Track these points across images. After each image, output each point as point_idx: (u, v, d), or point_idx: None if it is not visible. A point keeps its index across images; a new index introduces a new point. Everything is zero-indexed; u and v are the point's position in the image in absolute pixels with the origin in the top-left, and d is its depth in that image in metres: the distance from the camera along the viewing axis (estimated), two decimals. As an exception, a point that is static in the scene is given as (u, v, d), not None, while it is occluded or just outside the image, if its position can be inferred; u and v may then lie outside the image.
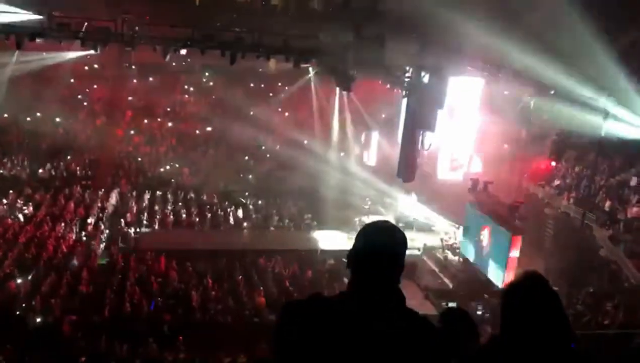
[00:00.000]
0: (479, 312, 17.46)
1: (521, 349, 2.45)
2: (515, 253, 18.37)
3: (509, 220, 19.23)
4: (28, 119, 32.11)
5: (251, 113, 33.24)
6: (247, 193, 28.41)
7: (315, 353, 2.20)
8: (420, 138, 18.53)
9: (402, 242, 2.37)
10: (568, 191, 22.63)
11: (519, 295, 2.51)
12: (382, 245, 2.32)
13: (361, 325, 2.20)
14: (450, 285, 21.23)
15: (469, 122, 21.51)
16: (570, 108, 19.70)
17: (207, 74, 36.16)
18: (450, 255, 23.18)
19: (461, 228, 23.19)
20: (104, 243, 22.56)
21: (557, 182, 23.78)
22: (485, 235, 20.35)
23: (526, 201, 20.64)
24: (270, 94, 35.48)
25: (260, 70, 32.49)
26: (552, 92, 20.51)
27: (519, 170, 25.95)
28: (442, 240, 24.18)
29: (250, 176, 31.40)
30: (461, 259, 22.44)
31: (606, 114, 18.80)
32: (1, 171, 28.43)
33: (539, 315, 2.44)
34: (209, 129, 34.41)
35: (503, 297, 2.57)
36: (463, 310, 3.45)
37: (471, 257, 21.36)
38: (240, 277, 20.24)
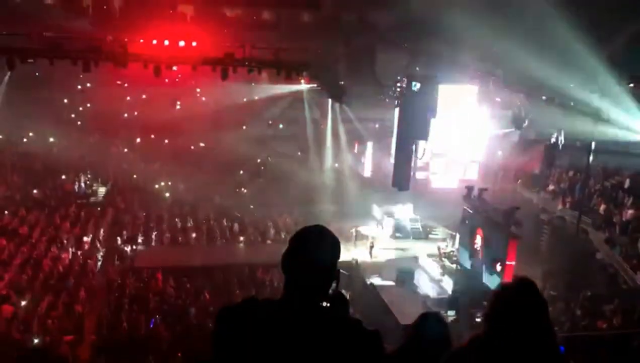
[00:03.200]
0: (478, 319, 17.42)
1: (500, 350, 2.47)
2: (511, 259, 18.36)
3: (504, 227, 19.24)
4: (25, 140, 32.09)
5: (244, 127, 33.27)
6: (244, 214, 28.22)
7: (246, 357, 2.25)
8: (414, 147, 18.60)
9: (330, 247, 2.39)
10: (563, 195, 22.70)
11: (507, 298, 2.54)
12: (307, 251, 2.35)
13: (287, 331, 2.23)
14: (449, 293, 21.19)
15: (462, 130, 21.61)
16: (562, 112, 19.84)
17: (198, 90, 36.20)
18: (447, 263, 23.16)
19: (457, 235, 23.21)
20: (100, 262, 22.46)
21: (551, 187, 23.88)
22: (478, 240, 20.37)
23: (521, 207, 20.67)
24: (264, 108, 35.53)
25: (253, 84, 32.58)
26: (544, 97, 20.68)
27: (513, 176, 26.08)
28: (438, 248, 24.17)
29: (245, 190, 31.37)
30: (458, 267, 22.42)
31: (598, 117, 18.93)
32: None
33: (523, 319, 2.47)
34: (202, 144, 34.41)
35: (491, 298, 2.59)
36: (439, 314, 3.46)
37: (467, 264, 21.35)
38: (238, 291, 20.17)
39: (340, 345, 2.24)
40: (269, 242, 26.06)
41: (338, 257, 2.40)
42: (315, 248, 2.36)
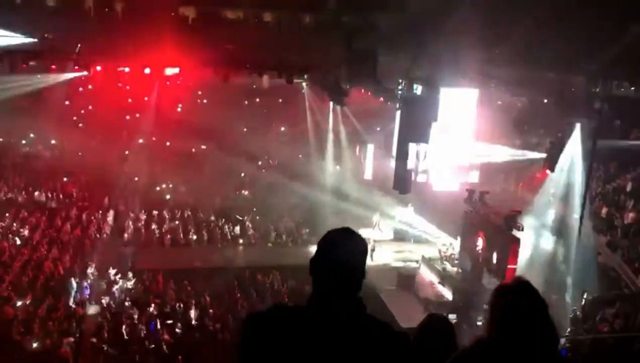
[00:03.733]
0: (479, 323, 17.39)
1: (506, 352, 2.47)
2: (513, 262, 18.35)
3: (505, 230, 19.23)
4: (23, 142, 32.10)
5: (244, 130, 33.30)
6: (245, 217, 28.18)
7: None
8: (415, 150, 18.61)
9: (360, 251, 2.37)
10: (564, 198, 22.65)
11: (507, 300, 2.53)
12: (338, 254, 2.32)
13: (319, 336, 2.22)
14: (450, 297, 21.16)
15: (463, 133, 21.60)
16: (564, 115, 19.82)
17: (200, 92, 36.25)
18: (448, 266, 23.13)
19: (459, 238, 23.19)
20: (100, 264, 22.44)
21: (552, 191, 23.82)
22: (480, 243, 20.36)
23: (523, 210, 20.65)
24: (265, 110, 35.58)
25: (255, 86, 32.60)
26: (545, 100, 20.67)
27: (514, 179, 26.06)
28: (440, 251, 24.14)
29: (246, 192, 31.37)
30: (460, 270, 22.39)
31: (600, 120, 18.91)
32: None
33: (526, 320, 2.46)
34: (203, 146, 34.43)
35: (491, 301, 2.59)
36: (445, 317, 3.47)
37: (469, 267, 21.34)
38: (239, 294, 20.15)
39: (372, 349, 2.24)
40: (269, 244, 26.04)
41: (365, 259, 2.39)
42: (344, 251, 2.34)
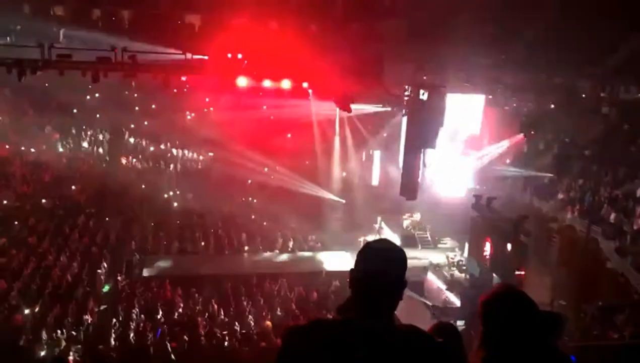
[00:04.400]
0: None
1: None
2: (521, 269, 18.24)
3: (514, 236, 19.13)
4: (32, 150, 32.29)
5: (251, 136, 33.34)
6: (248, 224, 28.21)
7: None
8: (422, 156, 18.56)
9: (402, 263, 2.35)
10: (572, 204, 22.55)
11: (497, 307, 2.51)
12: (381, 268, 2.30)
13: (362, 350, 2.19)
14: (458, 303, 21.06)
15: (470, 138, 21.56)
16: (571, 120, 19.75)
17: (207, 99, 36.38)
18: (456, 273, 23.05)
19: (466, 245, 23.10)
20: (108, 271, 22.50)
21: (561, 196, 23.72)
22: (487, 249, 20.27)
23: (530, 216, 20.58)
24: (271, 117, 35.63)
25: (261, 93, 32.63)
26: (552, 105, 20.60)
27: (522, 184, 25.95)
28: (447, 257, 24.07)
29: (253, 199, 31.39)
30: (467, 276, 22.30)
31: (608, 125, 18.84)
32: (5, 202, 28.47)
33: (517, 326, 2.44)
34: (210, 153, 34.52)
35: (482, 310, 2.57)
36: (453, 325, 3.45)
37: (476, 274, 21.22)
38: (246, 301, 20.14)
39: (416, 359, 2.23)
40: (276, 251, 26.03)
41: (405, 269, 2.36)
42: (391, 265, 2.32)
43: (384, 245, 2.40)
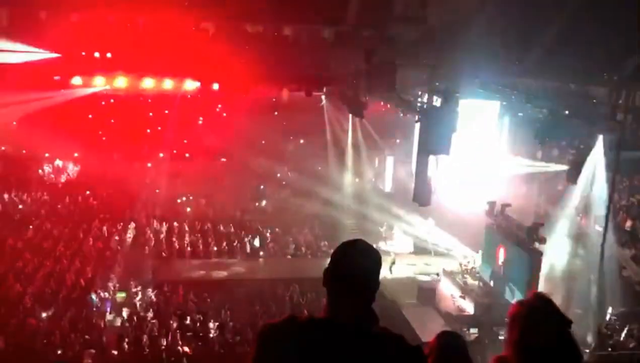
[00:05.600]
0: (501, 337, 17.14)
1: None
2: (535, 276, 18.10)
3: (528, 243, 19.00)
4: (47, 154, 32.58)
5: (263, 142, 33.46)
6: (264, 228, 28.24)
7: None
8: (435, 162, 18.48)
9: (376, 264, 2.36)
10: (587, 212, 22.30)
11: (528, 316, 2.48)
12: (355, 267, 2.30)
13: (332, 348, 2.21)
14: (472, 311, 20.91)
15: (484, 145, 21.45)
16: (586, 127, 19.55)
17: (219, 106, 36.50)
18: (470, 280, 22.89)
19: (480, 252, 22.95)
20: (121, 276, 22.62)
21: (576, 203, 23.48)
22: (501, 256, 20.13)
23: (545, 223, 20.40)
24: (284, 123, 35.66)
25: (274, 99, 32.74)
26: (567, 112, 20.39)
27: (536, 191, 25.72)
28: (461, 264, 23.92)
29: (265, 204, 31.45)
30: (481, 284, 22.15)
31: (623, 132, 18.64)
32: (20, 206, 28.77)
33: (547, 336, 2.41)
34: (223, 159, 34.64)
35: (510, 318, 2.54)
36: (457, 334, 3.44)
37: (490, 281, 21.09)
38: (258, 306, 20.14)
39: (386, 361, 2.23)
40: (289, 257, 26.02)
41: (379, 271, 2.37)
42: (357, 262, 2.33)
43: (358, 246, 2.40)
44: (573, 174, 22.78)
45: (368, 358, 2.21)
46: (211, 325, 18.56)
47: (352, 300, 2.29)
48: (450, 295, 22.34)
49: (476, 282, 22.46)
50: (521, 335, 2.48)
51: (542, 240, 18.86)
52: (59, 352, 16.51)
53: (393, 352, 2.25)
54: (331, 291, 2.35)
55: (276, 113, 35.96)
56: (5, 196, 29.38)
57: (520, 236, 19.48)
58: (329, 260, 2.43)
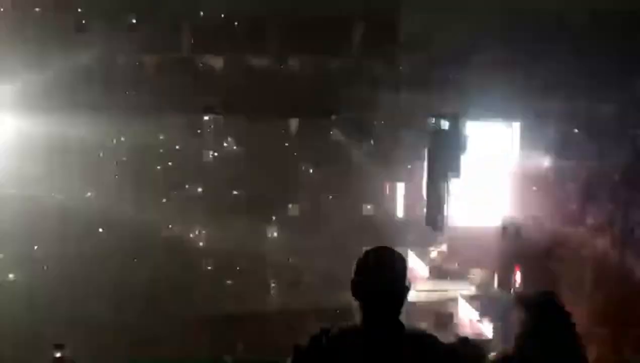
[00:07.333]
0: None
1: None
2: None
3: (544, 265, 18.78)
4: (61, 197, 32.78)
5: (273, 174, 33.51)
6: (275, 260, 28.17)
7: None
8: (447, 185, 18.44)
9: (402, 269, 2.35)
10: (603, 230, 22.07)
11: (534, 312, 2.50)
12: (381, 275, 2.30)
13: (368, 358, 2.20)
14: (490, 335, 20.58)
15: (496, 166, 21.38)
16: (597, 144, 19.49)
17: (229, 139, 36.68)
18: (487, 303, 22.57)
19: (496, 274, 22.71)
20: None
21: (590, 221, 23.25)
22: (518, 278, 19.91)
23: (561, 243, 20.18)
24: (295, 153, 35.75)
25: (283, 131, 32.92)
26: (576, 130, 20.38)
27: (550, 211, 25.50)
28: (477, 287, 23.63)
29: (278, 234, 31.37)
30: (499, 307, 21.83)
31: (635, 148, 18.55)
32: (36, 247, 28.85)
33: (552, 334, 2.42)
34: (235, 192, 34.69)
35: (519, 314, 2.55)
36: (475, 340, 3.46)
37: (507, 304, 20.77)
38: (275, 339, 19.94)
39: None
40: (304, 288, 25.84)
41: (406, 275, 2.36)
42: (385, 271, 2.32)
43: (382, 251, 2.40)
44: (586, 192, 22.66)
45: (405, 361, 2.22)
46: (228, 359, 18.39)
47: (381, 306, 2.28)
48: (469, 320, 22.02)
49: (494, 306, 22.15)
50: (529, 331, 2.50)
51: (559, 261, 18.62)
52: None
53: (429, 353, 2.25)
54: (360, 300, 2.33)
55: (286, 144, 36.16)
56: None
57: (536, 257, 19.27)
58: (345, 291, 2.42)
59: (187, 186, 35.62)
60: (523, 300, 2.62)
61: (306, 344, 2.37)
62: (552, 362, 2.40)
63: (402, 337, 2.25)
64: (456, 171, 17.68)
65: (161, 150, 35.25)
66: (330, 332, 2.35)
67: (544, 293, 2.58)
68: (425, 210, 19.68)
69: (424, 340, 2.27)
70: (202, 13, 28.35)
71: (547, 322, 2.43)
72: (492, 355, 2.64)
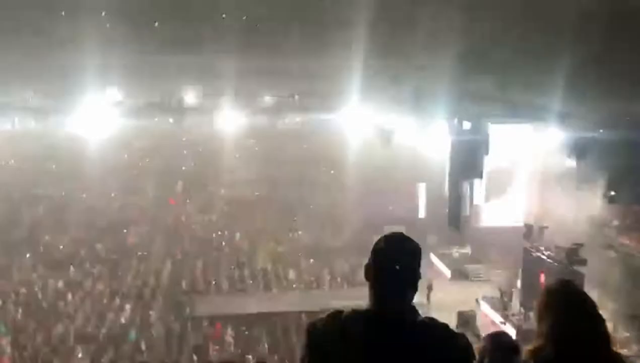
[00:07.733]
0: None
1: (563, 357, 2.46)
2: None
3: (567, 265, 18.57)
4: (84, 195, 33.35)
5: (294, 174, 33.68)
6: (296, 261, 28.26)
7: None
8: (469, 186, 18.34)
9: (416, 255, 2.38)
10: (628, 230, 21.76)
11: (558, 300, 2.55)
12: (396, 260, 2.33)
13: (380, 340, 2.24)
14: (513, 337, 20.41)
15: (518, 167, 21.20)
16: (623, 145, 19.20)
17: (252, 140, 36.92)
18: (510, 305, 22.38)
19: (520, 275, 22.49)
20: (160, 312, 22.81)
21: (616, 223, 22.92)
22: (542, 279, 19.69)
23: (585, 244, 19.92)
24: (313, 155, 35.84)
25: (302, 134, 33.03)
26: (601, 130, 20.07)
27: (574, 211, 25.19)
28: (500, 289, 23.42)
29: (300, 235, 31.49)
30: (522, 309, 21.63)
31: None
32: (61, 247, 29.38)
33: (578, 319, 2.46)
34: (257, 193, 34.92)
35: (540, 300, 2.61)
36: (509, 336, 3.53)
37: (531, 306, 20.57)
38: (295, 339, 20.03)
39: (433, 349, 2.26)
40: (325, 288, 25.88)
41: (420, 262, 2.38)
42: (398, 255, 2.36)
43: (397, 237, 2.43)
44: (611, 191, 22.33)
45: (416, 347, 2.24)
46: (249, 357, 18.53)
47: (395, 291, 2.32)
48: (491, 322, 21.85)
49: (517, 307, 21.95)
50: (556, 318, 2.51)
51: (583, 262, 18.41)
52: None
53: (440, 340, 2.28)
54: (374, 284, 2.37)
55: (305, 146, 36.26)
56: (46, 237, 30.14)
57: (559, 258, 19.07)
58: (365, 288, 2.46)
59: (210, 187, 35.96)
60: (545, 288, 2.71)
61: (321, 322, 2.37)
62: (581, 348, 2.45)
63: (415, 322, 2.28)
64: (478, 172, 17.57)
65: (185, 152, 35.70)
66: (344, 313, 2.36)
67: (565, 281, 2.66)
68: (447, 211, 19.58)
69: (440, 331, 2.29)
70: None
71: (570, 303, 2.52)
72: (527, 348, 2.68)
